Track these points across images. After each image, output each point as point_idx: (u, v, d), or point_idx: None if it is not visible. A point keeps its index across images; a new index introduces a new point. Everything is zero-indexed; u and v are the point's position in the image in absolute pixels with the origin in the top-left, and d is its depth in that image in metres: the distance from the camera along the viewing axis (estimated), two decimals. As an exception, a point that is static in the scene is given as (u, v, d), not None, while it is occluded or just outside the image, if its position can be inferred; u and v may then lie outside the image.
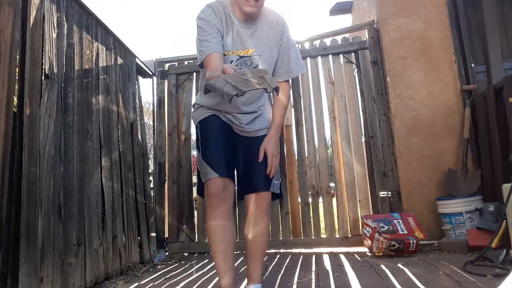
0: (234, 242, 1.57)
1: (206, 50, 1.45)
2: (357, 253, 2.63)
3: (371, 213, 2.84)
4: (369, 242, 2.49)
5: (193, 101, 3.34)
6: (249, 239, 1.58)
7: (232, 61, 1.53)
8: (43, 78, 1.79)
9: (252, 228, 1.56)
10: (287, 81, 1.66)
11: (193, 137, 3.37)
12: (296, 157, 3.12)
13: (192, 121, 3.33)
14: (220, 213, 1.48)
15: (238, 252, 3.02)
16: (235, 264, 2.07)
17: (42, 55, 1.80)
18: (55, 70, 1.89)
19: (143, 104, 3.16)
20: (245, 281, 1.70)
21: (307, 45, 3.24)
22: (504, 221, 1.95)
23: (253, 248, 1.58)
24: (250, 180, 1.58)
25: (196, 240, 3.13)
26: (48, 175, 1.75)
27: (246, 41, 1.54)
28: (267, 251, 2.93)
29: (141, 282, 2.14)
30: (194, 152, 3.43)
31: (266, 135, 1.61)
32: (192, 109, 1.78)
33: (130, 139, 2.75)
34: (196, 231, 3.16)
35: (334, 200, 3.03)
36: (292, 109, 3.16)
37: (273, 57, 1.59)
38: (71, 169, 1.97)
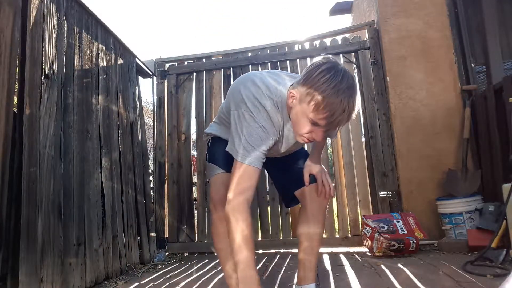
0: None
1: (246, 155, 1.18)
2: (357, 253, 2.63)
3: (371, 213, 2.84)
4: (369, 242, 2.49)
5: (193, 101, 3.37)
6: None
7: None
8: (43, 78, 1.79)
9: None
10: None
11: (193, 137, 3.37)
12: (296, 157, 3.12)
13: (193, 122, 3.36)
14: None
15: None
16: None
17: (42, 55, 1.80)
18: (55, 70, 1.89)
19: (143, 104, 3.16)
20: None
21: (307, 45, 3.24)
22: (504, 221, 1.95)
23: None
24: (296, 178, 1.46)
25: (196, 240, 3.13)
26: (48, 175, 1.75)
27: (294, 141, 1.34)
28: (267, 251, 2.96)
29: (141, 282, 2.14)
30: (194, 152, 3.44)
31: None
32: (205, 135, 1.63)
33: (130, 139, 2.75)
34: (196, 231, 3.16)
35: (334, 200, 3.03)
36: (292, 109, 3.15)
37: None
38: (71, 169, 1.97)
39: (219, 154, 1.47)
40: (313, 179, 1.46)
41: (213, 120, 1.59)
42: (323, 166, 1.52)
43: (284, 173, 1.54)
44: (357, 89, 1.10)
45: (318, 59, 1.17)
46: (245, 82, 1.28)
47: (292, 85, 1.23)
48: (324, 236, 3.01)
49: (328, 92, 1.05)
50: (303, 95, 1.12)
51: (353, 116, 1.11)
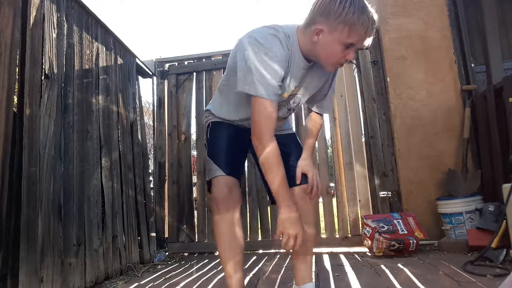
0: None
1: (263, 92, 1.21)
2: (357, 253, 2.63)
3: (371, 213, 2.84)
4: (369, 242, 2.49)
5: (193, 101, 3.37)
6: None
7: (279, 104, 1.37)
8: (43, 78, 1.79)
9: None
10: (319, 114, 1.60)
11: (193, 137, 3.37)
12: (296, 157, 3.11)
13: (193, 122, 3.36)
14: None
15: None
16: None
17: (42, 55, 1.80)
18: (55, 70, 1.89)
19: (143, 104, 3.16)
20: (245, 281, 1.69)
21: (307, 45, 3.24)
22: (504, 221, 1.95)
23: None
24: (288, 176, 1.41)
25: (196, 240, 3.13)
26: (48, 175, 1.75)
27: (299, 81, 1.38)
28: (267, 251, 2.96)
29: (141, 282, 2.14)
30: (194, 152, 3.44)
31: (292, 133, 1.64)
32: (205, 116, 1.66)
33: (130, 139, 2.75)
34: (196, 231, 3.16)
35: (334, 200, 3.03)
36: (292, 109, 3.16)
37: (312, 93, 1.49)
38: (71, 169, 1.97)
39: (220, 149, 1.48)
40: (304, 179, 1.47)
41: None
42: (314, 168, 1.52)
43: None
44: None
45: None
46: (247, 36, 1.29)
47: (301, 25, 1.29)
48: (324, 236, 3.01)
49: (357, 14, 1.16)
50: (332, 26, 1.19)
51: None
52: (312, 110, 1.59)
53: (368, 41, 1.24)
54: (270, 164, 1.24)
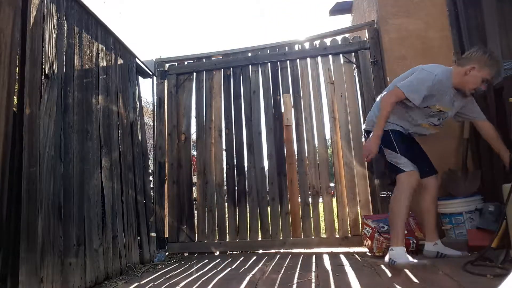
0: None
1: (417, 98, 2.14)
2: (357, 253, 2.63)
3: (371, 213, 2.84)
4: (369, 242, 2.49)
5: (193, 101, 3.37)
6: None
7: (431, 112, 2.22)
8: (43, 78, 1.79)
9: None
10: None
11: (193, 137, 3.38)
12: (296, 157, 3.12)
13: (193, 122, 3.36)
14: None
15: (238, 252, 3.02)
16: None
17: (42, 55, 1.81)
18: (55, 70, 1.89)
19: (143, 104, 3.16)
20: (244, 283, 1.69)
21: (307, 45, 3.24)
22: (504, 221, 1.95)
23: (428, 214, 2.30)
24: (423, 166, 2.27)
25: (196, 240, 3.13)
26: (48, 175, 1.75)
27: (448, 103, 2.20)
28: (267, 251, 2.96)
29: (141, 282, 2.14)
30: (194, 152, 3.44)
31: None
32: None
33: (130, 139, 2.75)
34: (196, 231, 3.16)
35: (334, 200, 3.03)
36: (292, 109, 3.16)
37: (455, 111, 2.28)
38: (71, 169, 1.97)
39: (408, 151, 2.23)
40: (427, 172, 2.29)
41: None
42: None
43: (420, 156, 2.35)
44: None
45: (472, 50, 2.18)
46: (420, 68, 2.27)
47: (457, 64, 2.21)
48: (324, 236, 3.01)
49: (493, 60, 2.09)
50: (480, 66, 2.08)
51: None
52: (475, 119, 2.32)
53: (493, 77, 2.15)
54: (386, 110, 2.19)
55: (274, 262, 2.49)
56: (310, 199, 3.03)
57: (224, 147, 3.27)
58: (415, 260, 2.00)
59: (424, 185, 2.27)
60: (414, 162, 2.19)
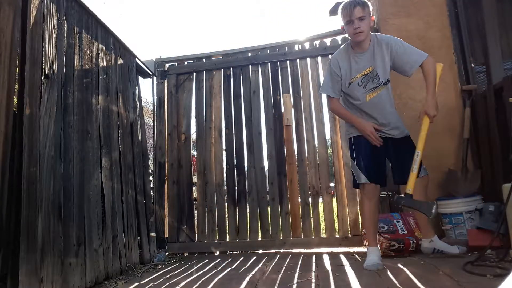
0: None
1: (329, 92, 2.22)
2: (357, 253, 2.62)
3: (371, 213, 2.83)
4: (369, 242, 2.48)
5: (193, 101, 3.37)
6: None
7: (358, 82, 2.14)
8: (43, 78, 1.79)
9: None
10: (425, 62, 2.10)
11: (193, 137, 3.38)
12: (296, 157, 3.12)
13: (193, 122, 3.36)
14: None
15: (238, 252, 3.02)
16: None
17: (42, 55, 1.80)
18: (55, 70, 1.89)
19: (143, 104, 3.16)
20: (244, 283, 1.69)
21: (307, 45, 3.24)
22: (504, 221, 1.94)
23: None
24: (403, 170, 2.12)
25: (196, 240, 3.13)
26: (48, 175, 1.75)
27: (364, 65, 2.14)
28: (267, 251, 2.96)
29: (141, 282, 2.14)
30: (194, 152, 3.44)
31: (408, 136, 2.24)
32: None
33: (130, 139, 2.75)
34: (196, 231, 3.16)
35: (334, 200, 3.03)
36: (292, 109, 3.16)
37: (387, 66, 2.15)
38: (71, 169, 1.97)
39: (365, 158, 2.15)
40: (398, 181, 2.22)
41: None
42: (436, 111, 2.09)
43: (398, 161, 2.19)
44: None
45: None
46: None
47: None
48: (324, 236, 3.01)
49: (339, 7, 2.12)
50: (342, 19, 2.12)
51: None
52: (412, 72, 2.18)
53: (354, 14, 2.05)
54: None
55: (274, 262, 2.49)
56: (310, 199, 3.03)
57: (224, 147, 3.27)
58: (379, 262, 2.04)
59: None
60: (377, 170, 2.13)
